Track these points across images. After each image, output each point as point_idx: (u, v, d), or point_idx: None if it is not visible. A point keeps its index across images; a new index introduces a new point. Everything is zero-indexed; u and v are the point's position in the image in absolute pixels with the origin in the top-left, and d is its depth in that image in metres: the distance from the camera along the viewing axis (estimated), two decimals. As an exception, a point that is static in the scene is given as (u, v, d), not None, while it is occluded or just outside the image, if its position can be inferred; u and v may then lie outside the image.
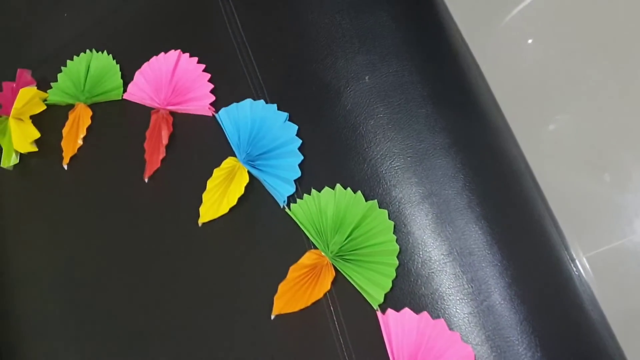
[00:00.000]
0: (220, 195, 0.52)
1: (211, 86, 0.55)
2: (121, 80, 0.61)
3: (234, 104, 0.54)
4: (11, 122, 0.65)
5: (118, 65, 0.61)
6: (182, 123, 0.57)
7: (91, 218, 0.60)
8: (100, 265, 0.58)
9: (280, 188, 0.50)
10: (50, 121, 0.64)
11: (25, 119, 0.65)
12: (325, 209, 0.48)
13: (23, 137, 0.64)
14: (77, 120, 0.62)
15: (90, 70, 0.63)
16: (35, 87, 0.66)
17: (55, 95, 0.65)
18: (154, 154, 0.57)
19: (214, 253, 0.53)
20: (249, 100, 0.53)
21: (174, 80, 0.57)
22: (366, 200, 0.48)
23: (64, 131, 0.62)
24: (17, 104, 0.65)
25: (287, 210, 0.50)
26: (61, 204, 0.63)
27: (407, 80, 0.50)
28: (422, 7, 0.55)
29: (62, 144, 0.62)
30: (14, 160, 0.66)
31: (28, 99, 0.65)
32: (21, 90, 0.65)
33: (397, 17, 0.52)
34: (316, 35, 0.53)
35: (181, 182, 0.56)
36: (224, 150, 0.53)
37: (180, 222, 0.55)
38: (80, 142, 0.62)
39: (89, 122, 0.62)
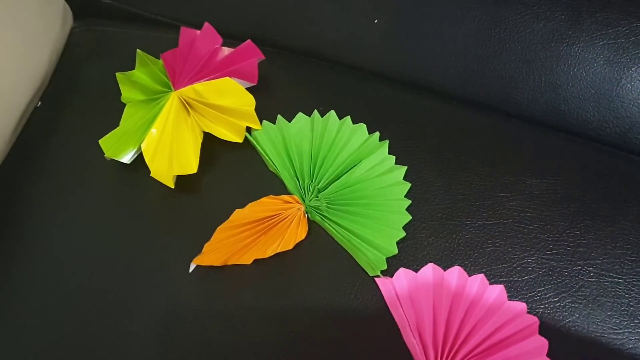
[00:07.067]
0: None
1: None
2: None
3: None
4: (176, 104, 0.40)
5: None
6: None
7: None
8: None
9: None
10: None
11: (208, 120, 0.40)
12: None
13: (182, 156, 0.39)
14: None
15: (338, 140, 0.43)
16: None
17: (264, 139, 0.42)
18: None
19: None
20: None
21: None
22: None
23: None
24: (220, 85, 0.40)
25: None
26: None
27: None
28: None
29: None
30: (130, 156, 0.41)
31: (240, 95, 0.39)
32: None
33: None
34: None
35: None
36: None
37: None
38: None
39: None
